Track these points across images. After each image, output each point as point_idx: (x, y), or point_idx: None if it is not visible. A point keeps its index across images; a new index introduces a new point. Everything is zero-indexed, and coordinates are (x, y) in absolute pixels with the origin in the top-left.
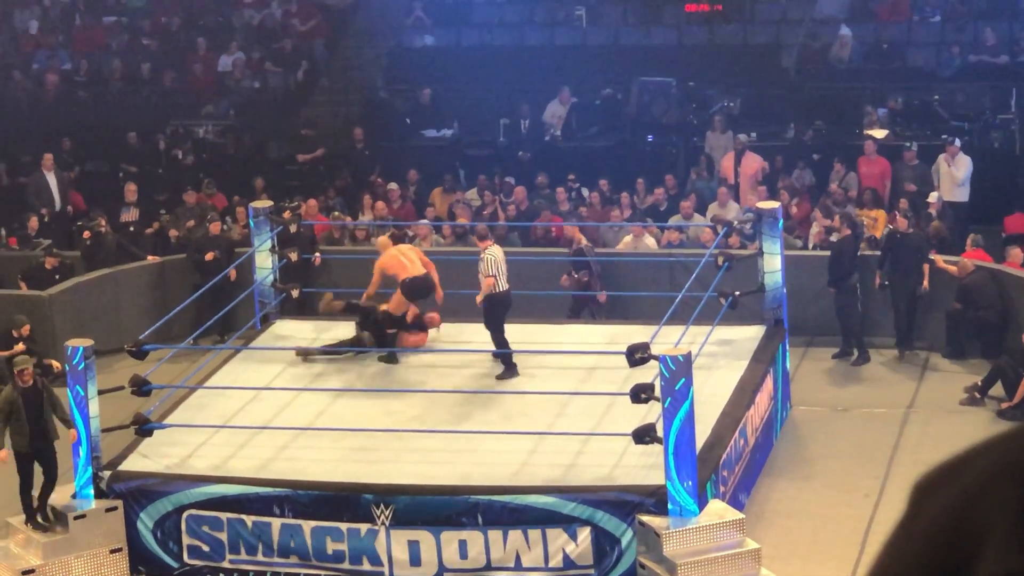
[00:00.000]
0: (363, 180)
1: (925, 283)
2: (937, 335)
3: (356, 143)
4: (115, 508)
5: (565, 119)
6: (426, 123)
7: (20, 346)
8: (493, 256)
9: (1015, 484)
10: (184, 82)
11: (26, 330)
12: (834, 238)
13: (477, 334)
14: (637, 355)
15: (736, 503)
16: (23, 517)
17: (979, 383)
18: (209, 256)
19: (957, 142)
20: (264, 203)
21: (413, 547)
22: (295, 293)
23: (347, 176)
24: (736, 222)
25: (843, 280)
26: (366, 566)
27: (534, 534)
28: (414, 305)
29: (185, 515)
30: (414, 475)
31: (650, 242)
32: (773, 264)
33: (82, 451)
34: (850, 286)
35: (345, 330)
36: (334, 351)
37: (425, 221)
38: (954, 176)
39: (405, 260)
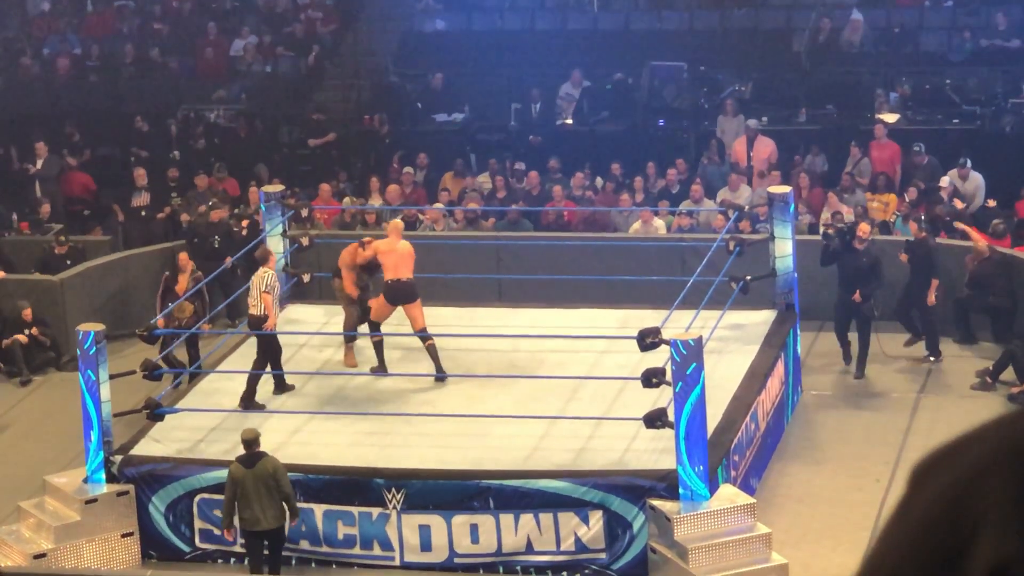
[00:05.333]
0: (376, 164)
1: (856, 295)
2: (949, 319)
3: (374, 127)
4: (127, 492)
5: (576, 103)
6: (437, 107)
7: (34, 331)
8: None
9: (1012, 468)
10: (195, 66)
11: (27, 314)
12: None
13: (488, 319)
14: (648, 339)
15: (747, 488)
16: (35, 501)
17: (990, 368)
18: (244, 223)
19: (968, 164)
20: (276, 187)
21: (424, 531)
22: (306, 278)
23: (368, 159)
24: (748, 206)
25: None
26: (377, 550)
27: (546, 518)
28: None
29: (197, 499)
30: (426, 459)
31: (659, 225)
32: (784, 249)
33: (93, 436)
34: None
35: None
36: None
37: (439, 205)
38: (966, 193)
39: (399, 260)
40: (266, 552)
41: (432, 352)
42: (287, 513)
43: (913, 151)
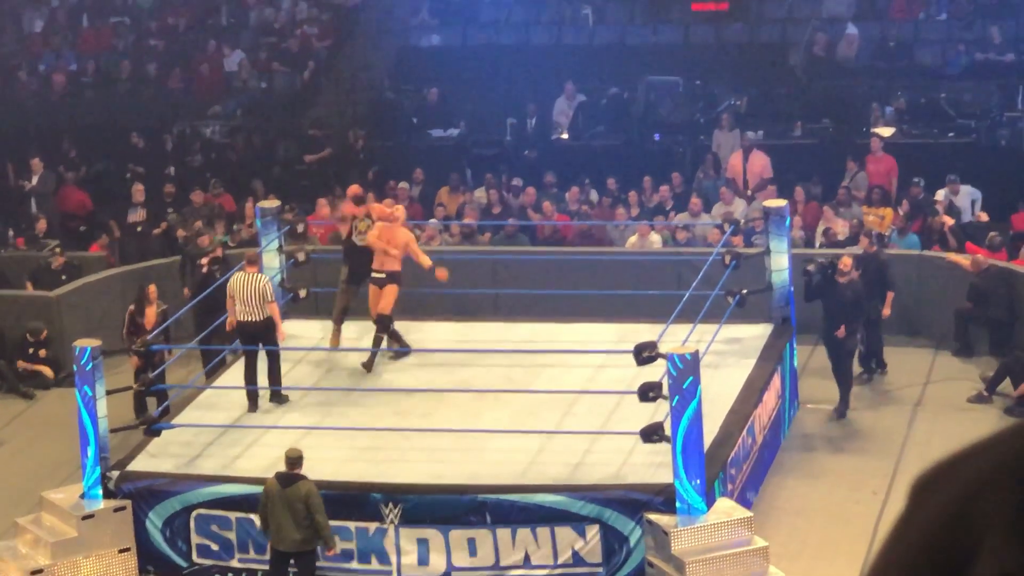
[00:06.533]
0: (371, 180)
1: (840, 331)
2: (945, 332)
3: (354, 143)
4: (124, 508)
5: (572, 118)
6: (433, 122)
7: (43, 352)
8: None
9: (1013, 482)
10: (191, 82)
11: (44, 335)
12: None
13: (484, 333)
14: (645, 353)
15: (744, 501)
16: (32, 516)
17: (989, 375)
18: (204, 260)
19: (957, 179)
20: (272, 203)
21: (422, 546)
22: (303, 293)
23: (365, 174)
24: (743, 220)
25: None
26: (375, 565)
27: (543, 532)
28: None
29: (194, 514)
30: (422, 474)
31: (655, 240)
32: (780, 262)
33: (90, 451)
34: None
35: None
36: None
37: (434, 221)
38: (959, 208)
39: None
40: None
41: (377, 344)
42: (319, 538)
43: (913, 182)
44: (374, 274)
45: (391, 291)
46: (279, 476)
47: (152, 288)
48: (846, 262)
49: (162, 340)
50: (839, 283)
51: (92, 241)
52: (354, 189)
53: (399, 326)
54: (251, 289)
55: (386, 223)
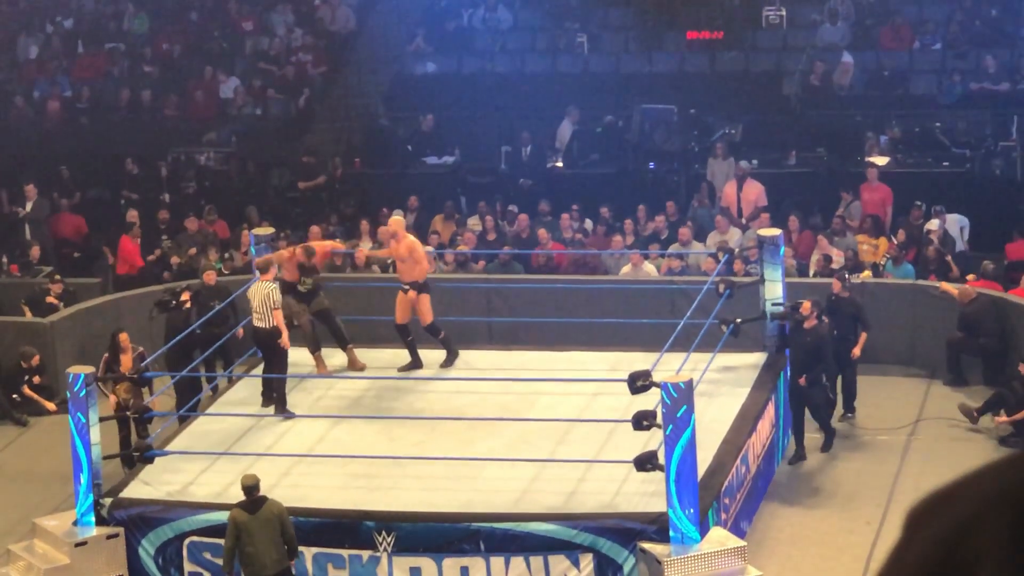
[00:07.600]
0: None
1: (802, 380)
2: (939, 362)
3: (334, 172)
4: (116, 535)
5: (567, 146)
6: (427, 150)
7: (36, 379)
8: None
9: (1007, 513)
10: (186, 109)
11: (36, 360)
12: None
13: (479, 361)
14: (639, 382)
15: (738, 530)
16: (24, 544)
17: (970, 407)
18: (185, 296)
19: (943, 209)
20: (266, 230)
21: (415, 574)
22: (296, 322)
23: (361, 201)
24: (738, 249)
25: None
26: None
27: (536, 561)
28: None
29: (187, 542)
30: (416, 502)
31: (649, 269)
32: (774, 291)
33: (83, 478)
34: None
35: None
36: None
37: (430, 248)
38: (952, 238)
39: (408, 265)
40: None
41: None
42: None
43: (915, 205)
44: (403, 284)
45: (424, 300)
46: (244, 505)
47: (124, 336)
48: (806, 307)
49: (142, 388)
50: (803, 329)
51: (91, 262)
52: (315, 248)
53: (396, 352)
54: (260, 296)
55: (392, 240)
